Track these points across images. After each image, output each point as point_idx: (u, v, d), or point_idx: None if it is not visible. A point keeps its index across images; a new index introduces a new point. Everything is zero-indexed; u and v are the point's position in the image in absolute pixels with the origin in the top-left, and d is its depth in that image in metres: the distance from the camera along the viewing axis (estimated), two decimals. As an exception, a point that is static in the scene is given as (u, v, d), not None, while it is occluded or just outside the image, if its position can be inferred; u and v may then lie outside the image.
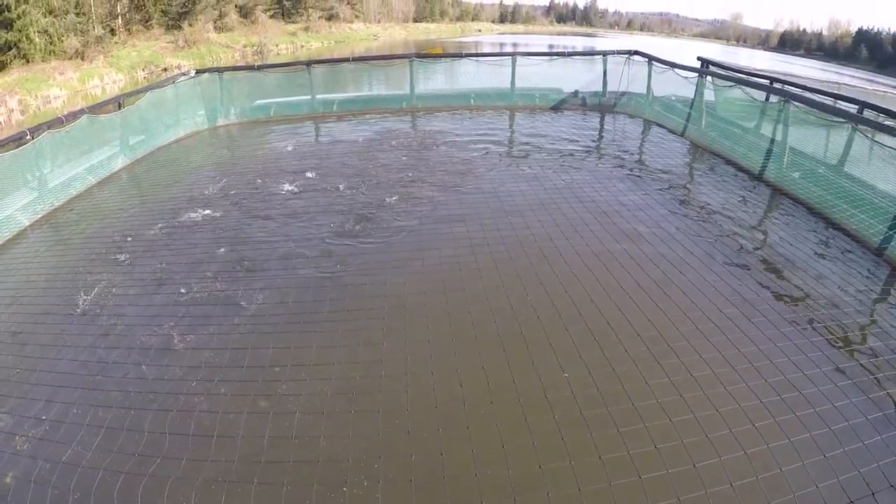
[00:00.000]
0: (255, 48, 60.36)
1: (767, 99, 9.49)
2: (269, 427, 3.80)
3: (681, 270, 5.75)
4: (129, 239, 6.99)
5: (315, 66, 13.70)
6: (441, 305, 5.21)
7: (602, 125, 12.38)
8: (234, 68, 17.13)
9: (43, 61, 40.59)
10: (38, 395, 4.29)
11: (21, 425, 3.98)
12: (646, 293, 5.33)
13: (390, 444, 3.63)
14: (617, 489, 3.30)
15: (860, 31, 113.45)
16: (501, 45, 79.98)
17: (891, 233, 6.39)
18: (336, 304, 5.33)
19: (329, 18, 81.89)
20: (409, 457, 3.54)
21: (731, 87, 10.36)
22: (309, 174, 9.03)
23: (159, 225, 7.36)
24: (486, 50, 60.33)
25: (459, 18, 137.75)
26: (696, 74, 11.28)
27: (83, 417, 4.00)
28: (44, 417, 4.04)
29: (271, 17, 72.02)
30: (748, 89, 9.93)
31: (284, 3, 75.43)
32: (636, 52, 13.35)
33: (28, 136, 8.12)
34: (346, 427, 3.78)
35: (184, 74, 12.85)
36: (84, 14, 46.72)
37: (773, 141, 8.85)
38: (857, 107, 8.06)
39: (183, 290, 5.66)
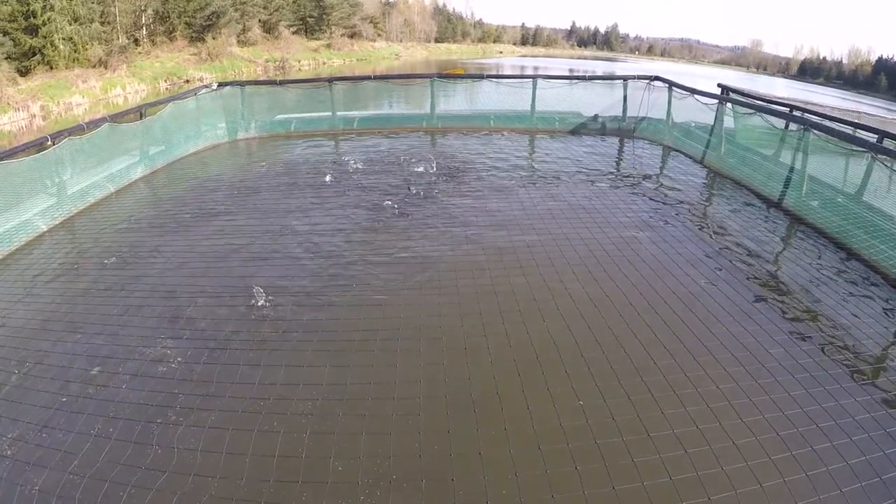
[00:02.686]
0: (278, 63, 60.88)
1: (787, 127, 9.44)
2: (280, 446, 3.77)
3: (698, 298, 5.71)
4: (143, 250, 7.02)
5: (336, 83, 13.80)
6: (456, 328, 5.18)
7: (621, 150, 12.36)
8: (256, 82, 17.24)
9: (66, 68, 41.09)
10: (44, 402, 4.29)
11: (28, 433, 3.97)
12: (662, 320, 5.29)
13: (401, 468, 3.59)
14: (630, 520, 3.26)
15: (880, 60, 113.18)
16: (522, 67, 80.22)
17: (910, 264, 6.36)
18: (350, 323, 5.32)
19: (351, 36, 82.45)
20: (420, 482, 3.50)
21: (750, 114, 10.33)
22: (328, 191, 9.07)
23: (174, 237, 7.40)
24: (507, 72, 60.42)
25: (481, 40, 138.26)
26: (716, 101, 11.25)
27: (91, 427, 3.98)
28: (51, 426, 4.03)
29: (294, 32, 72.63)
30: (768, 117, 9.89)
31: (307, 19, 76.08)
32: (657, 78, 13.34)
33: (49, 142, 8.18)
34: (357, 449, 3.75)
35: (206, 86, 12.96)
36: (109, 23, 47.30)
37: (792, 169, 8.80)
38: (876, 136, 8.00)
39: (193, 304, 5.67)
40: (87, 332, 5.26)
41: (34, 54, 39.72)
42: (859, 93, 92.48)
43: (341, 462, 3.64)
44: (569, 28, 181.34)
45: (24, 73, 38.51)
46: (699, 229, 7.67)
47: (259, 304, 5.57)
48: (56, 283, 6.34)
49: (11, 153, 7.71)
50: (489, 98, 14.65)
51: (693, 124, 12.24)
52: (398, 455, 3.69)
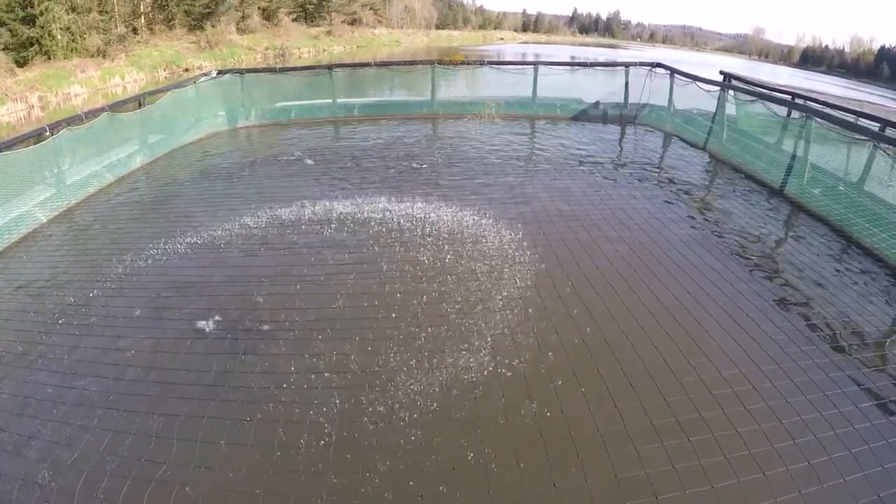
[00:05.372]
0: (278, 51, 60.63)
1: (789, 114, 9.43)
2: (279, 437, 3.75)
3: (700, 285, 5.69)
4: (143, 239, 6.99)
5: (337, 70, 13.74)
6: (455, 317, 5.14)
7: (623, 136, 12.35)
8: (256, 70, 17.20)
9: (64, 58, 40.81)
10: (43, 395, 4.27)
11: (27, 426, 3.95)
12: (664, 307, 5.27)
13: (403, 457, 3.58)
14: (633, 509, 3.25)
15: (882, 49, 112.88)
16: (523, 54, 79.89)
17: (912, 252, 6.35)
18: (347, 310, 5.29)
19: (352, 23, 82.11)
20: (422, 472, 3.48)
21: (752, 101, 10.30)
22: (328, 177, 9.08)
23: (174, 225, 7.37)
24: (508, 58, 59.82)
25: (482, 26, 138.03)
26: (718, 88, 11.23)
27: (90, 419, 3.96)
28: (49, 419, 4.01)
29: (294, 20, 72.27)
30: (770, 104, 9.86)
31: (307, 6, 75.69)
32: (658, 65, 13.31)
33: (47, 133, 8.13)
34: (357, 441, 3.72)
35: (205, 75, 12.92)
36: (107, 12, 47.00)
37: (793, 156, 8.79)
38: (878, 125, 7.97)
39: (191, 293, 5.65)
40: (85, 322, 5.25)
41: (32, 45, 39.40)
42: (861, 82, 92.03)
43: (340, 452, 3.62)
44: (570, 15, 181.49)
45: (21, 63, 38.24)
46: (700, 216, 7.66)
47: (259, 292, 5.55)
48: (54, 275, 6.31)
49: (10, 144, 7.67)
50: (490, 84, 14.65)
51: (695, 111, 12.22)
52: (398, 445, 3.67)
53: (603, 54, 79.48)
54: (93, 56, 42.89)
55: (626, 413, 3.91)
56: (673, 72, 12.66)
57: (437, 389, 4.17)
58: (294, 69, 15.23)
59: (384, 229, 6.97)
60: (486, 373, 4.35)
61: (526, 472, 3.46)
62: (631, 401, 4.03)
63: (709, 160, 10.57)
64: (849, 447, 3.66)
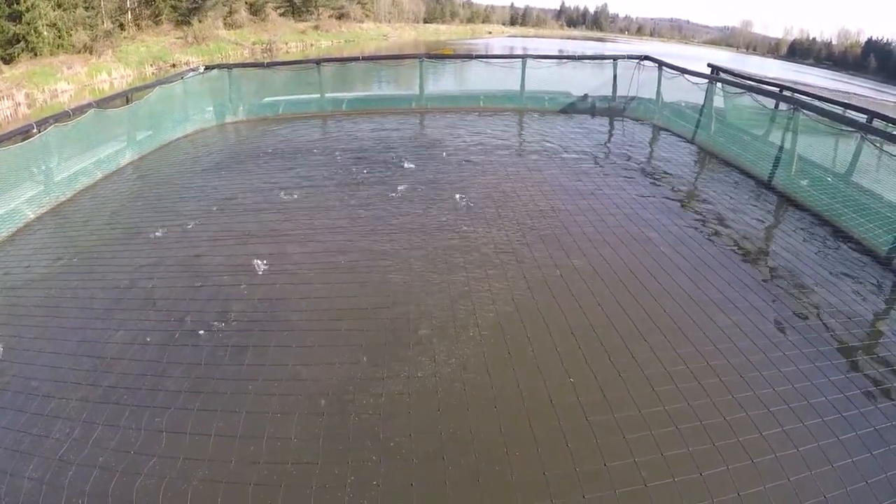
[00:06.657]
0: (265, 46, 60.52)
1: (777, 106, 9.46)
2: (268, 428, 3.75)
3: (688, 275, 5.70)
4: (131, 235, 6.97)
5: (325, 64, 13.69)
6: (446, 308, 5.14)
7: (611, 129, 12.32)
8: (244, 65, 17.12)
9: (51, 55, 40.60)
10: (32, 390, 4.25)
11: (16, 421, 3.93)
12: (653, 297, 5.28)
13: (392, 450, 3.58)
14: (622, 497, 3.25)
15: (869, 42, 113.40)
16: (511, 47, 79.92)
17: (899, 242, 6.37)
18: (333, 301, 5.30)
19: (339, 17, 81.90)
20: (412, 461, 3.49)
21: (740, 93, 10.32)
22: (320, 170, 9.05)
23: (163, 221, 7.33)
24: (496, 52, 60.01)
25: (470, 20, 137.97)
26: (707, 80, 11.23)
27: (78, 413, 3.95)
28: (38, 413, 3.99)
29: (281, 14, 72.07)
30: (758, 96, 9.88)
31: (295, 1, 75.44)
32: (647, 58, 13.31)
33: (34, 130, 8.08)
34: (346, 430, 3.73)
35: (193, 70, 12.84)
36: (93, 8, 46.73)
37: (781, 148, 8.80)
38: (866, 116, 8.01)
39: (181, 287, 5.63)
40: (74, 316, 5.23)
41: (18, 42, 39.12)
42: (849, 74, 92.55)
43: (330, 444, 3.62)
44: (558, 8, 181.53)
45: (7, 61, 37.99)
46: (687, 208, 7.67)
47: (247, 286, 5.54)
48: (43, 271, 6.27)
49: (-3, 142, 7.64)
50: (478, 78, 14.64)
51: (683, 104, 12.22)
52: (388, 436, 3.67)
53: (591, 47, 79.63)
54: (79, 52, 42.71)
55: (615, 402, 3.92)
56: (661, 64, 12.64)
57: (419, 376, 4.19)
58: (282, 64, 15.12)
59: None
60: (475, 363, 4.36)
61: (515, 461, 3.47)
62: (619, 390, 4.04)
63: (697, 152, 10.57)
64: (837, 434, 3.69)
